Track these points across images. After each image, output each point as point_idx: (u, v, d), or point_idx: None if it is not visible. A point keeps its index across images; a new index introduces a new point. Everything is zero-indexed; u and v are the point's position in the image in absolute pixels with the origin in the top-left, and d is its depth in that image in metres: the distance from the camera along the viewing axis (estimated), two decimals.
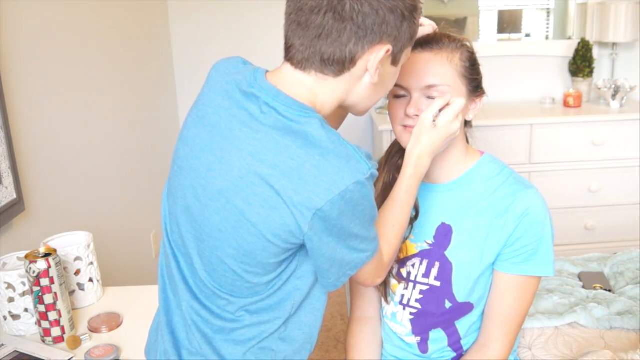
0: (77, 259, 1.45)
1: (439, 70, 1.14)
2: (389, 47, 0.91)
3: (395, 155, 1.29)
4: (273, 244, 0.91)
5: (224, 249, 0.94)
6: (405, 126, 1.17)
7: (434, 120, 1.11)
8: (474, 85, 1.19)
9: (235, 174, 0.90)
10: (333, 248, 0.91)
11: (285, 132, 0.89)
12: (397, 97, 1.18)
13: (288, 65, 0.95)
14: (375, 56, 0.91)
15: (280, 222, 0.88)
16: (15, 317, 1.34)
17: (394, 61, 0.96)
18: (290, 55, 0.94)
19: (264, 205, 0.88)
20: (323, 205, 0.85)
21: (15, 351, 1.27)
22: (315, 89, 0.93)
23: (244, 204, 0.90)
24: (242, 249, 0.93)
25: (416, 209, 1.26)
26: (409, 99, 1.16)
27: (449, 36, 1.17)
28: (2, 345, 1.29)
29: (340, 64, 0.90)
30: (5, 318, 1.35)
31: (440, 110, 1.12)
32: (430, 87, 1.14)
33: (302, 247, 0.94)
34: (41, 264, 1.26)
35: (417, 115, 1.15)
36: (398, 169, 1.27)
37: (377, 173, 0.92)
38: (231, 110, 0.94)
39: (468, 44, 1.19)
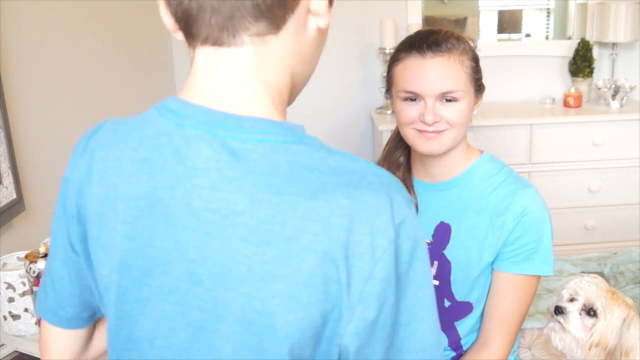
0: None
1: (453, 75, 1.14)
2: None
3: (395, 151, 1.29)
4: None
5: None
6: (420, 131, 1.17)
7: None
8: (479, 84, 1.20)
9: None
10: None
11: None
12: (405, 100, 1.17)
13: (203, 52, 0.61)
14: None
15: None
16: (15, 317, 1.34)
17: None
18: (196, 32, 0.60)
19: None
20: None
21: (15, 351, 1.27)
22: (261, 70, 0.61)
23: None
24: None
25: (415, 207, 1.26)
26: (422, 104, 1.16)
27: (457, 37, 1.17)
28: (2, 345, 1.29)
29: (282, 5, 0.59)
30: (5, 318, 1.35)
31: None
32: (445, 93, 1.14)
33: None
34: (41, 264, 1.26)
35: (436, 122, 1.15)
36: (398, 166, 1.27)
37: None
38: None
39: (472, 43, 1.19)
